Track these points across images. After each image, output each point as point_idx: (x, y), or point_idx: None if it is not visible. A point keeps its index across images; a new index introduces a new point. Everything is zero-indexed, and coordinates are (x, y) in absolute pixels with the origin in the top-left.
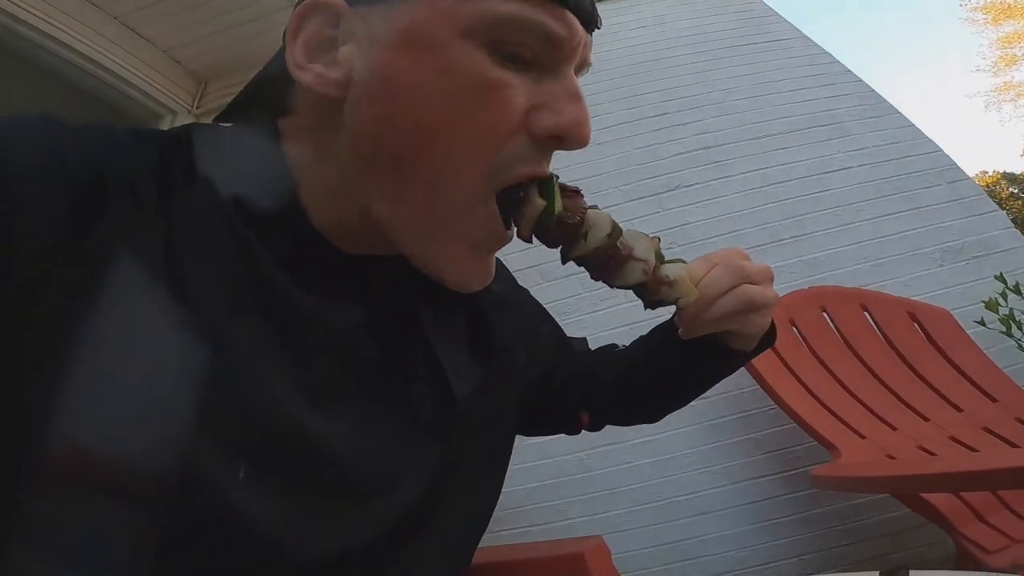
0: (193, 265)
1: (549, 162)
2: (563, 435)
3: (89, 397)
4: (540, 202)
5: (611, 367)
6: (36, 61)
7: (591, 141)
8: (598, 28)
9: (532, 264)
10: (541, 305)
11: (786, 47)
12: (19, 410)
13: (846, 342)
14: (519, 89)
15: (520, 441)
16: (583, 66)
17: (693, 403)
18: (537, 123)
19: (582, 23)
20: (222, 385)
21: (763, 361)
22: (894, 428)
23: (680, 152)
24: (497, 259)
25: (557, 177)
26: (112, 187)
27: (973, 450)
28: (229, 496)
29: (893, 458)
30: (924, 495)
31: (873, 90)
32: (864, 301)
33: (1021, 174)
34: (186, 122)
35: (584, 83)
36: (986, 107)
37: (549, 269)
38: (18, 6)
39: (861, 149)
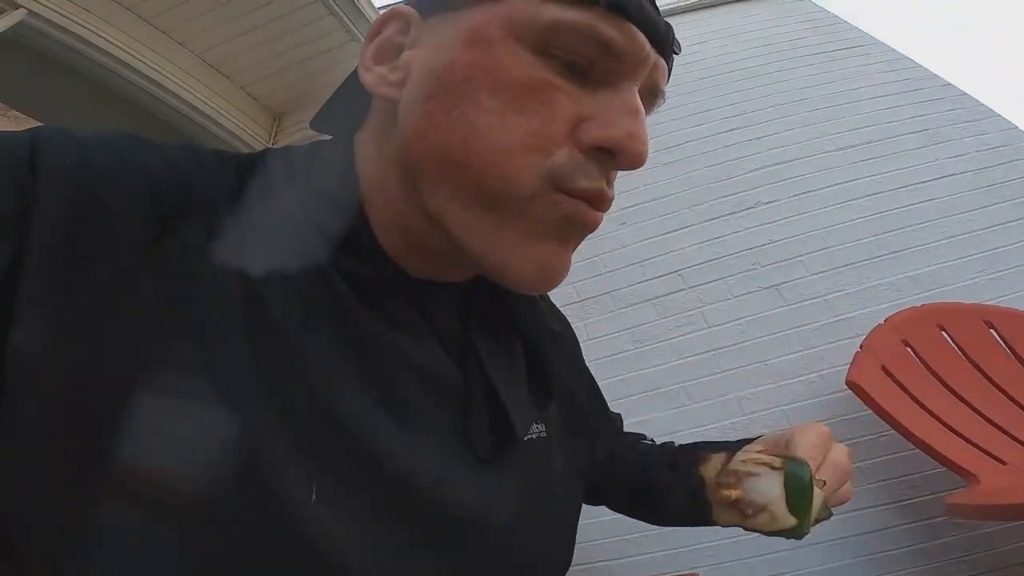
0: (270, 285)
1: (611, 186)
2: None
3: (163, 410)
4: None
5: (629, 463)
6: (125, 95)
7: (659, 162)
8: (676, 52)
9: (605, 291)
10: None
11: (861, 53)
12: (89, 421)
13: (972, 361)
14: (569, 95)
15: None
16: (654, 93)
17: (784, 429)
18: (587, 133)
19: (651, 40)
20: (302, 401)
21: (876, 386)
22: None
23: (755, 168)
24: (558, 309)
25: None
26: (193, 203)
27: None
28: (302, 516)
29: None
30: None
31: (966, 93)
32: (987, 317)
33: None
34: None
35: None
36: None
37: (622, 295)
38: (109, 41)
39: (961, 155)
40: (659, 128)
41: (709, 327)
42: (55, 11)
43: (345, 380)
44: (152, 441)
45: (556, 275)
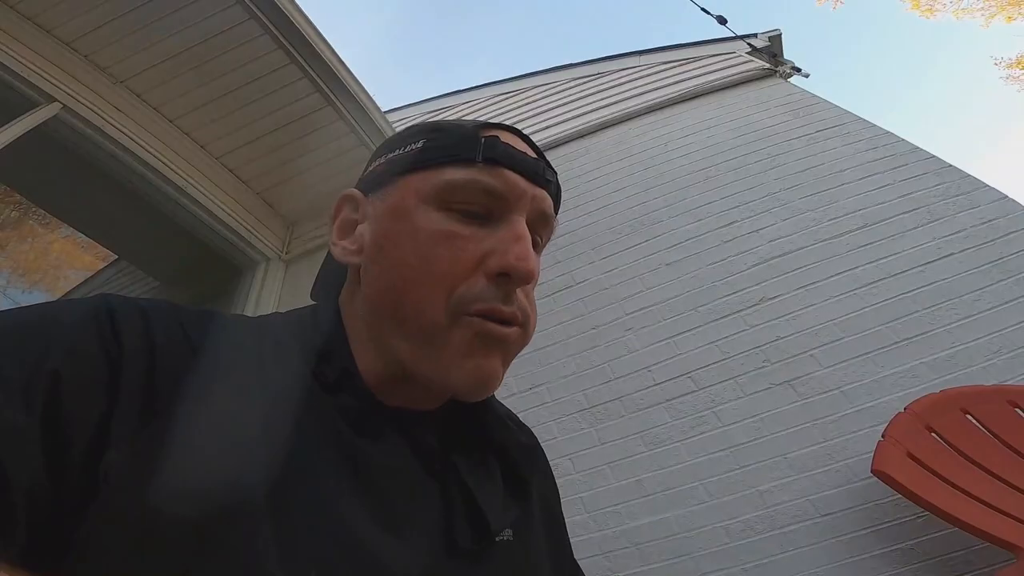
0: (274, 414)
1: (511, 303)
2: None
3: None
4: None
5: None
6: (147, 199)
7: (661, 262)
8: (550, 180)
9: (615, 396)
10: None
11: (842, 132)
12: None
13: (1001, 440)
14: (473, 238)
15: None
16: (544, 219)
17: (815, 520)
18: (487, 264)
19: (526, 177)
20: (300, 504)
21: (905, 472)
22: None
23: (757, 263)
24: (526, 426)
25: None
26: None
27: None
28: None
29: None
30: None
31: (952, 165)
32: (1012, 398)
33: None
34: (278, 269)
35: (645, 200)
36: None
37: (632, 400)
38: (136, 142)
39: (958, 232)
40: (659, 227)
41: (723, 426)
42: (88, 107)
43: (344, 495)
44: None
45: (488, 381)
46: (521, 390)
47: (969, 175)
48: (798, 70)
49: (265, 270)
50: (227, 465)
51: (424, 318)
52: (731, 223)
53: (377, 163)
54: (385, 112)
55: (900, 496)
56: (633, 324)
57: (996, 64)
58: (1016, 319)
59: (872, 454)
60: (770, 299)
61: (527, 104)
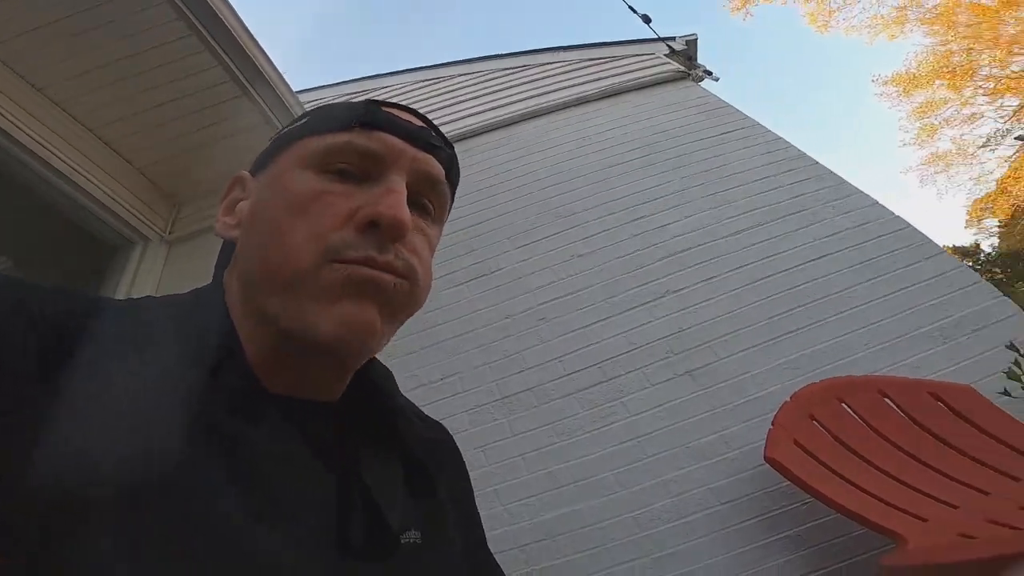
0: (149, 401)
1: (390, 252)
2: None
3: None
4: None
5: None
6: (7, 173)
7: (574, 254)
8: (436, 146)
9: (528, 387)
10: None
11: (744, 136)
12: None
13: (873, 429)
14: (346, 194)
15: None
16: (429, 180)
17: (716, 508)
18: (358, 216)
19: (405, 140)
20: (164, 496)
21: (792, 460)
22: (955, 506)
23: (664, 256)
24: (433, 420)
25: None
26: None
27: None
28: None
29: (971, 537)
30: None
31: (831, 171)
32: (881, 387)
33: (971, 246)
34: (159, 250)
35: (560, 192)
36: (921, 182)
37: (545, 390)
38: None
39: (834, 234)
40: (573, 219)
41: (631, 416)
42: None
43: (218, 485)
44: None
45: (359, 328)
46: (432, 380)
47: (846, 181)
48: (710, 74)
49: (143, 250)
50: (80, 456)
51: (290, 266)
52: (640, 218)
53: (268, 145)
54: (299, 92)
55: (788, 484)
56: (546, 314)
57: (874, 81)
58: (883, 314)
59: (762, 442)
60: (674, 292)
61: (450, 92)
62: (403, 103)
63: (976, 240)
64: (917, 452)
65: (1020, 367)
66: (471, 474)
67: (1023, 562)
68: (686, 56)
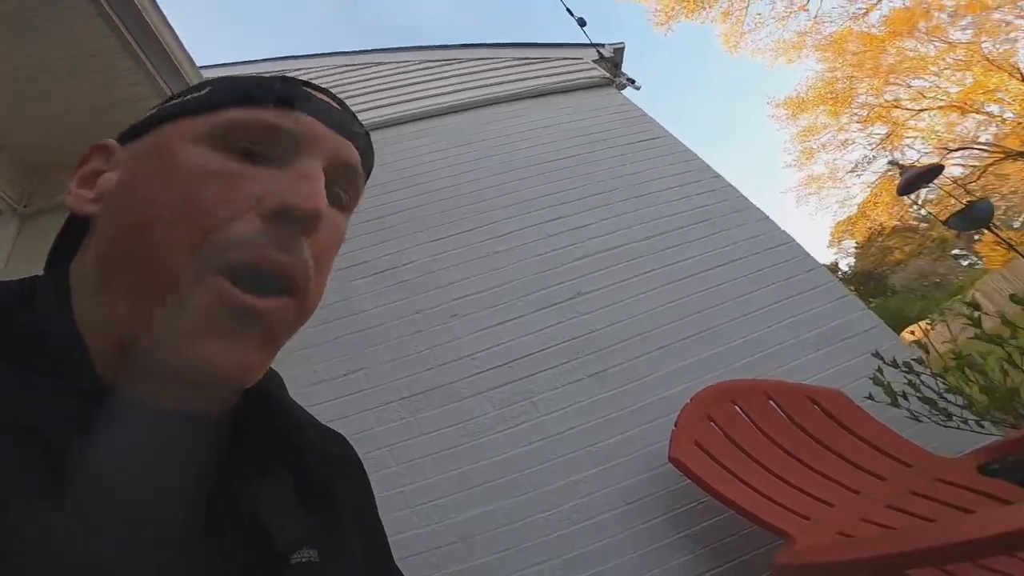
0: None
1: (294, 250)
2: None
3: None
4: None
5: None
6: None
7: (490, 250)
8: (357, 132)
9: (437, 385)
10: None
11: (657, 146)
12: None
13: (761, 431)
14: (251, 176)
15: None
16: (347, 167)
17: (624, 507)
18: (264, 203)
19: (325, 123)
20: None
21: (693, 458)
22: (832, 505)
23: (578, 258)
24: (332, 430)
25: None
26: None
27: (927, 518)
28: None
29: (848, 535)
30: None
31: (731, 185)
32: (767, 391)
33: (831, 264)
34: (9, 223)
35: (481, 188)
36: (797, 202)
37: (455, 388)
38: None
39: (731, 245)
40: (491, 215)
41: (541, 416)
42: None
43: (53, 508)
44: None
45: (227, 372)
46: (334, 376)
47: (743, 196)
48: (633, 82)
49: None
50: None
51: (157, 261)
52: (558, 218)
53: (149, 113)
54: (204, 68)
55: (688, 483)
56: (459, 310)
57: (768, 103)
58: (770, 322)
59: (665, 443)
60: (586, 293)
61: (375, 79)
62: (332, 88)
63: (836, 259)
64: (798, 453)
65: (883, 374)
66: (376, 475)
67: None
68: (613, 63)
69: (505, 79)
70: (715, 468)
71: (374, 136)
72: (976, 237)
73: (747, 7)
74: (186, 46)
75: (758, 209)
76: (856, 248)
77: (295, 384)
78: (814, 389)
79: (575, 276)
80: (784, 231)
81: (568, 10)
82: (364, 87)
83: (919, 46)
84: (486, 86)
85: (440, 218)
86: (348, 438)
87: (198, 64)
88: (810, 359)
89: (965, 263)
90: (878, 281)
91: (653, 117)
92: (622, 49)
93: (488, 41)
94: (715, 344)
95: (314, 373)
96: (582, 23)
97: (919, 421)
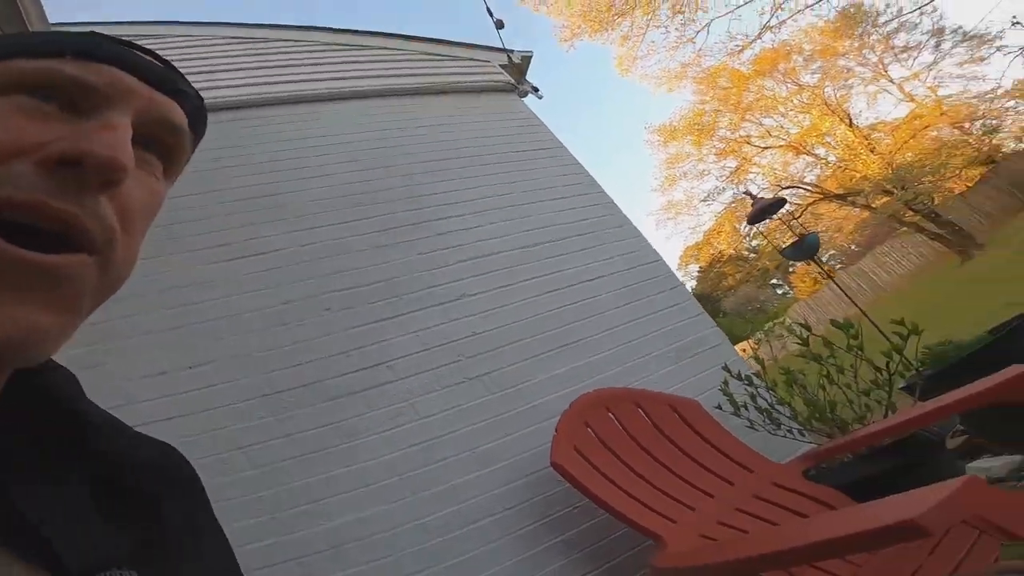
0: None
1: (90, 203)
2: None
3: None
4: None
5: None
6: None
7: (372, 244)
8: (184, 91)
9: (305, 383)
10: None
11: (550, 156)
12: None
13: (631, 437)
14: (37, 121)
15: None
16: (167, 127)
17: (500, 513)
18: (48, 149)
19: (140, 77)
20: None
21: (573, 463)
22: (692, 508)
23: (465, 259)
24: (172, 455)
25: None
26: None
27: (771, 521)
28: None
29: (710, 538)
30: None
31: (613, 201)
32: (636, 399)
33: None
34: None
35: (368, 178)
36: (657, 226)
37: (327, 387)
38: None
39: (610, 258)
40: (376, 208)
41: (420, 418)
42: None
43: None
44: None
45: (14, 342)
46: (178, 368)
47: (623, 213)
48: (536, 91)
49: None
50: None
51: None
52: (446, 217)
53: None
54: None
55: (565, 488)
56: (333, 304)
57: (646, 128)
58: (638, 334)
59: (540, 448)
60: (470, 295)
61: (270, 54)
62: (218, 57)
63: (683, 281)
64: (663, 458)
65: (728, 386)
66: (228, 479)
67: None
68: (519, 71)
69: (410, 72)
70: (593, 473)
71: (259, 113)
72: (791, 269)
73: (644, 34)
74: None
75: (635, 227)
76: (699, 272)
77: (130, 375)
78: (675, 399)
79: (461, 277)
80: (655, 250)
81: (489, 11)
82: (257, 61)
83: (776, 86)
84: (388, 76)
85: (315, 206)
86: (191, 438)
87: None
88: (670, 371)
89: (780, 292)
90: (712, 304)
91: (549, 128)
92: (530, 57)
93: (400, 32)
94: (589, 353)
95: (151, 363)
96: (500, 25)
97: (755, 429)
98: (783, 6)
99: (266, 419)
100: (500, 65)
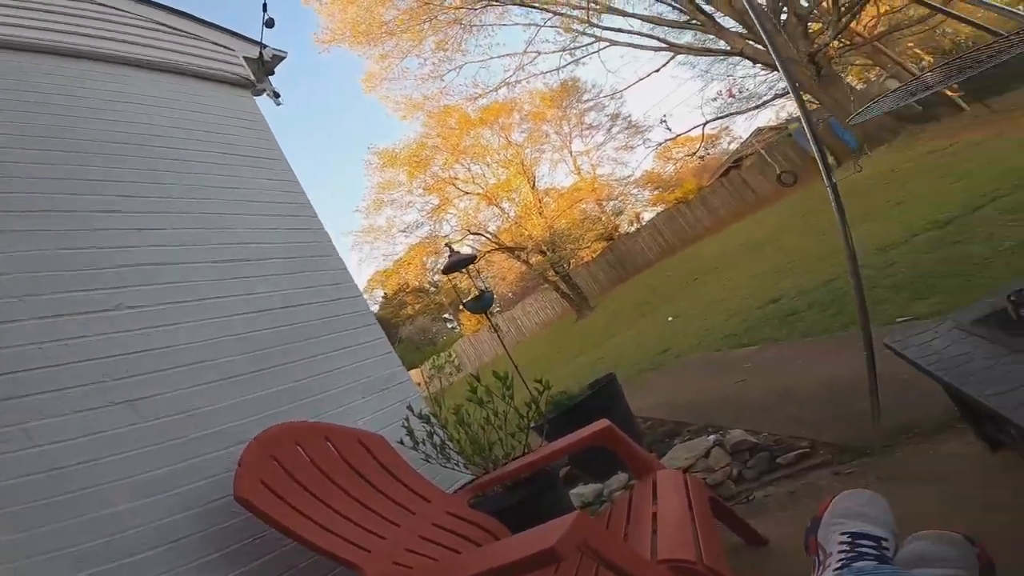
0: None
1: None
2: None
3: None
4: None
5: None
6: None
7: (5, 228)
8: None
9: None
10: None
11: (270, 167)
12: None
13: (321, 471)
14: None
15: None
16: None
17: (165, 545)
18: None
19: None
20: None
21: (260, 496)
22: (383, 538)
23: (129, 264)
24: None
25: None
26: None
27: (448, 547)
28: None
29: (404, 565)
30: None
31: (323, 227)
32: (326, 434)
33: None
34: None
35: (29, 147)
36: (353, 247)
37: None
38: None
39: (312, 288)
40: (22, 183)
41: (43, 445)
42: None
43: None
44: None
45: None
46: None
47: (330, 241)
48: (276, 96)
49: None
50: None
51: None
52: (114, 211)
53: None
54: None
55: (245, 518)
56: None
57: (369, 148)
58: (332, 366)
59: (222, 477)
60: (130, 307)
61: None
62: None
63: (376, 321)
64: (353, 491)
65: (408, 422)
66: None
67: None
68: (267, 69)
69: (133, 39)
70: (283, 506)
71: None
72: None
73: (402, 61)
74: None
75: (340, 258)
76: (383, 299)
77: None
78: (362, 433)
79: (122, 284)
80: (355, 284)
81: (264, 5)
82: None
83: (492, 136)
84: (103, 38)
85: None
86: None
87: None
88: (358, 405)
89: (450, 327)
90: (391, 331)
91: (276, 137)
92: (282, 58)
93: None
94: (288, 380)
95: None
96: (270, 24)
97: (429, 462)
98: (525, 68)
99: None
100: (244, 56)
